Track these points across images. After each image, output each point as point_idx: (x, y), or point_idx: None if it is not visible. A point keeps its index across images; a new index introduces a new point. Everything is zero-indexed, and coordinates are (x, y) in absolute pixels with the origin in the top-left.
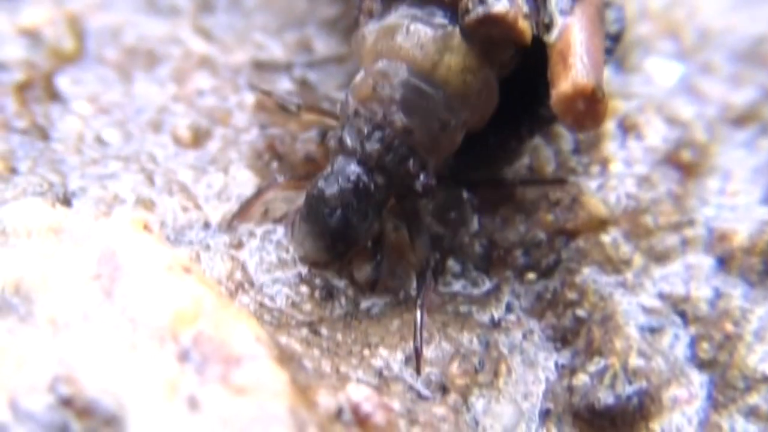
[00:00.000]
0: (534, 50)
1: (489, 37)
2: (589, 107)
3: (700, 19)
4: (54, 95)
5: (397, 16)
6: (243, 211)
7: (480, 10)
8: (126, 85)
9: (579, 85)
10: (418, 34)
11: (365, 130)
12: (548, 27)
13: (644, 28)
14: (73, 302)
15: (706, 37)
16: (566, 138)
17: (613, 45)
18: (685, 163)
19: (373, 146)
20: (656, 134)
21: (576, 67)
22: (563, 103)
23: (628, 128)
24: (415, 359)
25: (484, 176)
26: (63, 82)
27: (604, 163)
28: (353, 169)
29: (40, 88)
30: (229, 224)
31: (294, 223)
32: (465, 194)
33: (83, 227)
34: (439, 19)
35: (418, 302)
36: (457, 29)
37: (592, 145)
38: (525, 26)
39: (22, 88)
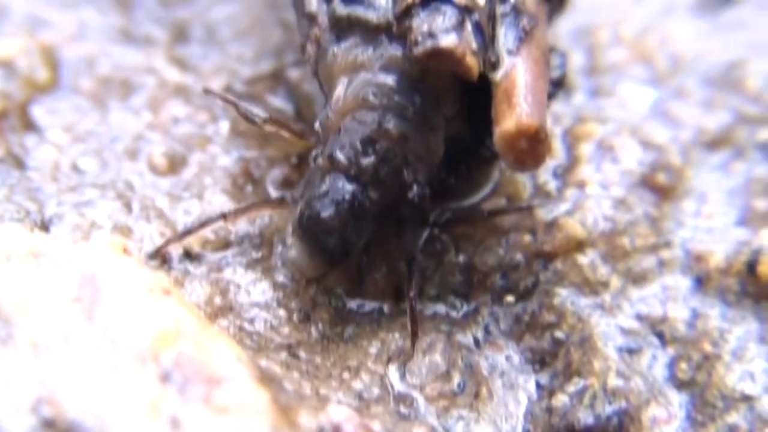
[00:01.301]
0: (476, 91)
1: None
2: (532, 147)
3: (672, 45)
4: (29, 125)
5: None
6: (182, 237)
7: (429, 44)
8: (101, 114)
9: (523, 124)
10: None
11: (358, 144)
12: (494, 65)
13: (617, 54)
14: (54, 324)
15: (679, 64)
16: None
17: (554, 90)
18: (660, 186)
19: (367, 160)
20: (632, 157)
21: (521, 105)
22: (506, 141)
23: (603, 151)
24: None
25: (446, 214)
26: (38, 112)
27: (581, 186)
28: (348, 188)
29: (15, 117)
30: (158, 251)
31: (286, 241)
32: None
33: (62, 251)
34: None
35: (410, 294)
36: None
37: (569, 168)
38: (473, 62)
39: None
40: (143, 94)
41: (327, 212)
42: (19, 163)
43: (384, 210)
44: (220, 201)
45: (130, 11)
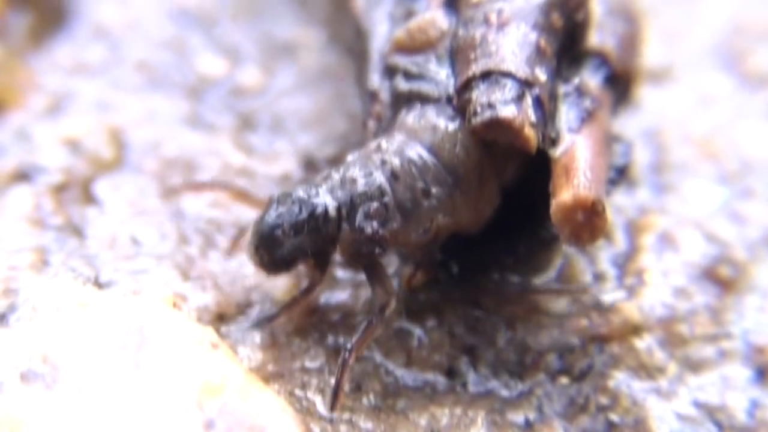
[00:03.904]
0: (538, 172)
1: (495, 141)
2: (589, 220)
3: (742, 147)
4: (90, 199)
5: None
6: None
7: (487, 114)
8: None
9: (580, 196)
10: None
11: (354, 166)
12: (554, 142)
13: (685, 153)
14: (100, 371)
15: (748, 165)
16: (602, 248)
17: (617, 177)
18: (723, 279)
19: (353, 172)
20: (694, 250)
21: (579, 179)
22: (562, 213)
23: (665, 242)
24: (332, 395)
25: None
26: (101, 188)
27: (640, 273)
28: (319, 186)
29: (77, 190)
30: (268, 321)
31: None
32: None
33: (111, 303)
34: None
35: (350, 344)
36: None
37: (629, 256)
38: (531, 134)
39: (59, 190)
40: (206, 175)
41: (285, 193)
42: (78, 232)
43: (335, 238)
44: (281, 281)
45: (199, 100)
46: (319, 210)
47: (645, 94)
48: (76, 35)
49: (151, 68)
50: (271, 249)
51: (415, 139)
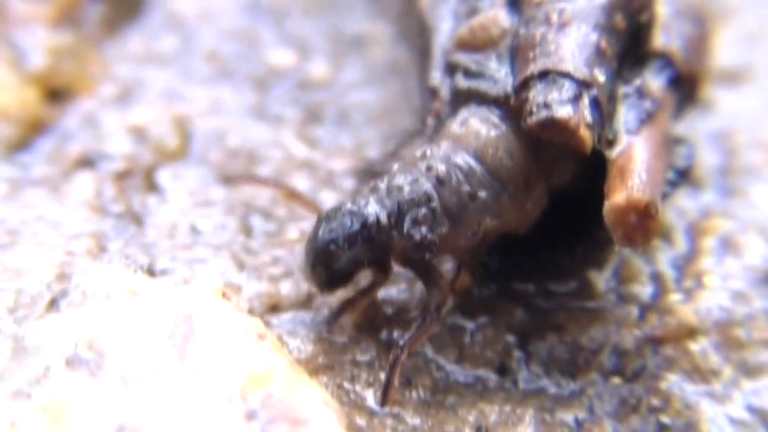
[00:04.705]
0: (596, 172)
1: (549, 141)
2: (642, 222)
3: None
4: (153, 187)
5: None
6: (346, 310)
7: (543, 114)
8: (226, 183)
9: (633, 198)
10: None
11: (399, 174)
12: (611, 143)
13: (755, 157)
14: (144, 359)
15: None
16: (662, 250)
17: (678, 179)
18: None
19: (399, 180)
20: (757, 254)
21: (633, 180)
22: (615, 215)
23: (727, 246)
24: (383, 391)
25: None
26: (163, 176)
27: (699, 276)
28: (368, 197)
29: (139, 178)
30: (329, 322)
31: None
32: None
33: (161, 291)
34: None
35: (404, 341)
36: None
37: (689, 259)
38: (586, 135)
39: (122, 177)
40: (269, 166)
41: (335, 208)
42: (138, 220)
43: (389, 249)
44: None
45: (266, 92)
46: (371, 219)
47: (718, 95)
48: (149, 25)
49: (221, 59)
50: (329, 264)
51: (460, 146)
